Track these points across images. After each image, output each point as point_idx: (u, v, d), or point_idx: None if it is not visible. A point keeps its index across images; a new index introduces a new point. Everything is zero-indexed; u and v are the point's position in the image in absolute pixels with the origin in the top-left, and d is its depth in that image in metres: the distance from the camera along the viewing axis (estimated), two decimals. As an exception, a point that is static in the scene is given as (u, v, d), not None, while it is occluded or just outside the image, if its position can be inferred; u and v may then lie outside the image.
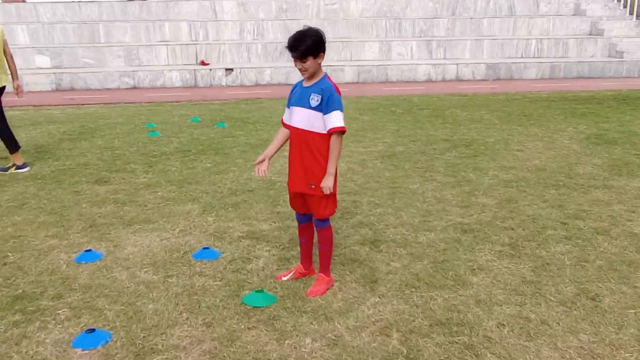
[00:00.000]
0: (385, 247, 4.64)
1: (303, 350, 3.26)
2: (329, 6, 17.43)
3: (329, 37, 16.88)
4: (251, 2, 17.11)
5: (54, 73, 13.97)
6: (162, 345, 3.31)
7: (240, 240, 4.82)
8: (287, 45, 3.70)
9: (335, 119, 3.66)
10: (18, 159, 6.95)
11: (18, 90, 7.01)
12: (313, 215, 3.91)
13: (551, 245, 4.66)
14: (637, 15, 17.39)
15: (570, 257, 4.43)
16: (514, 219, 5.26)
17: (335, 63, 15.34)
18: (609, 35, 16.93)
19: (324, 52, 3.70)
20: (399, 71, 15.25)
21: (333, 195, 3.86)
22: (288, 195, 4.11)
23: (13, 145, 6.97)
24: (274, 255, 4.53)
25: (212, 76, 14.46)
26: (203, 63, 15.15)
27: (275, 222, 5.23)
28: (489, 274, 4.17)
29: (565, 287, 3.96)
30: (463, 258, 4.44)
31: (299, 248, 4.28)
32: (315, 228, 3.99)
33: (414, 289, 3.96)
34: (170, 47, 15.26)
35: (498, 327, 3.48)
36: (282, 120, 4.00)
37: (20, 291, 3.97)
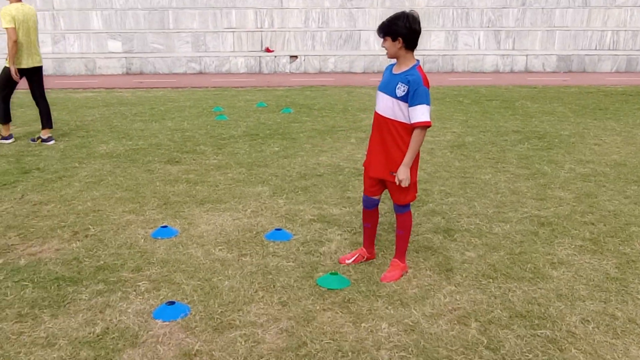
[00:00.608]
0: (459, 237, 4.55)
1: (380, 334, 3.23)
2: (395, -5, 17.22)
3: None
4: (317, -10, 17.10)
5: (125, 57, 14.36)
6: (240, 321, 3.34)
7: (312, 223, 4.82)
8: None
9: (421, 112, 3.57)
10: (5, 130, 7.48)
11: None
12: (393, 201, 3.86)
13: (636, 242, 4.46)
14: None
15: (658, 255, 4.23)
16: (593, 213, 5.06)
17: (400, 52, 15.14)
18: (691, 28, 16.09)
19: (404, 40, 3.58)
20: (466, 61, 14.94)
21: (414, 181, 3.80)
22: (362, 181, 4.06)
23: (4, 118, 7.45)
24: (345, 239, 4.51)
25: (277, 63, 14.54)
26: (268, 50, 15.25)
27: (345, 207, 5.21)
28: (569, 269, 4.02)
29: (653, 286, 3.78)
30: (541, 251, 4.30)
31: (362, 232, 4.24)
32: (395, 213, 3.94)
33: (490, 280, 3.86)
34: (236, 34, 15.42)
35: (582, 322, 3.35)
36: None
37: (102, 262, 4.09)
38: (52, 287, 3.74)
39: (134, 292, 3.68)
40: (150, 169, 6.35)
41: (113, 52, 14.97)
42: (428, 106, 3.61)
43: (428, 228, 4.72)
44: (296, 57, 14.57)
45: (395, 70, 3.71)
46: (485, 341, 3.15)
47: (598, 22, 16.81)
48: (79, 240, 4.48)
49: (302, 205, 5.25)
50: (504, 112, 9.65)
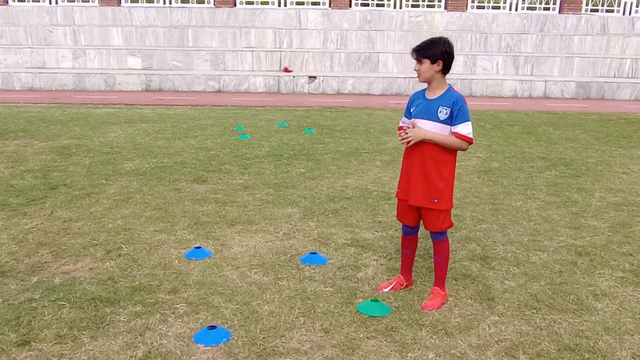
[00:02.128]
0: (497, 265, 4.48)
1: (427, 365, 3.16)
2: (413, 18, 17.31)
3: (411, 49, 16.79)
4: (335, 12, 17.20)
5: (145, 74, 14.45)
6: (283, 348, 3.28)
7: (345, 248, 4.77)
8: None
9: (465, 129, 3.55)
10: None
11: None
12: (429, 228, 3.81)
13: (677, 274, 4.37)
14: None
15: (701, 289, 4.14)
16: (630, 244, 4.99)
17: (415, 75, 15.15)
18: None
19: (444, 62, 3.59)
20: (484, 86, 14.94)
21: (448, 209, 3.76)
22: (393, 204, 4.01)
23: None
24: (382, 264, 4.45)
25: (295, 83, 14.59)
26: (286, 70, 15.31)
27: (377, 232, 5.15)
28: (613, 301, 3.94)
29: (702, 321, 3.69)
30: (582, 282, 4.22)
31: (400, 259, 4.18)
32: (432, 241, 3.89)
33: (534, 310, 3.78)
34: (255, 53, 15.51)
35: (634, 358, 3.27)
36: (400, 127, 3.92)
37: (138, 283, 4.04)
38: (90, 308, 3.69)
39: (173, 315, 3.63)
40: (177, 188, 6.33)
41: (133, 69, 15.08)
42: (471, 123, 3.59)
43: (464, 255, 4.66)
44: (315, 77, 14.62)
45: (430, 96, 3.69)
46: (538, 376, 3.07)
47: (617, 49, 16.81)
48: (112, 260, 4.44)
49: (334, 229, 5.19)
50: (527, 138, 9.60)
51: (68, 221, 5.28)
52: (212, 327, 3.39)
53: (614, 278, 4.30)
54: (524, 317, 3.70)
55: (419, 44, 3.68)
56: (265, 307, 3.74)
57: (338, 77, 14.75)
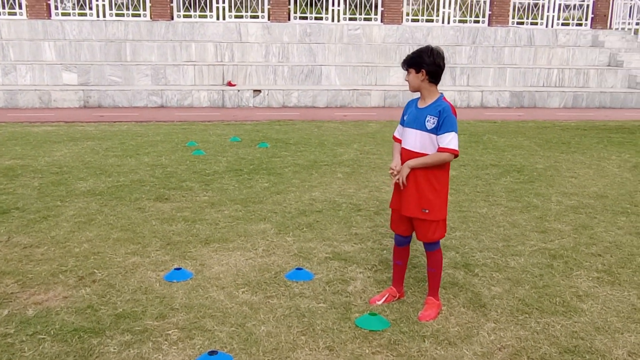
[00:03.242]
0: (480, 271, 4.55)
1: (438, 376, 3.15)
2: (352, 31, 17.52)
3: (352, 61, 16.85)
4: (275, 26, 17.19)
5: (82, 90, 13.93)
6: (292, 369, 3.19)
7: (328, 262, 4.72)
8: None
9: (449, 139, 3.59)
10: None
11: None
12: (421, 238, 3.83)
13: (648, 273, 4.58)
14: (656, 48, 17.57)
15: (673, 285, 4.35)
16: (597, 245, 5.19)
17: (361, 87, 15.36)
18: (628, 67, 17.06)
19: (427, 72, 3.64)
20: (425, 96, 15.26)
21: (443, 219, 3.79)
22: (390, 216, 4.02)
23: None
24: (369, 277, 4.43)
25: (240, 97, 14.44)
26: (230, 84, 15.14)
27: (356, 244, 5.14)
28: (596, 301, 4.08)
29: (682, 316, 3.87)
30: (563, 284, 4.35)
31: (392, 270, 4.17)
32: (425, 252, 3.91)
33: (527, 315, 3.86)
34: (197, 67, 15.26)
35: (630, 356, 3.38)
36: (394, 136, 3.94)
37: (121, 310, 3.85)
38: (73, 340, 3.48)
39: (166, 342, 3.47)
40: (140, 207, 6.10)
41: (68, 85, 14.49)
42: (456, 134, 3.63)
43: (446, 264, 4.70)
44: (260, 91, 14.53)
45: (421, 105, 3.74)
46: (547, 380, 3.12)
47: (543, 60, 17.60)
48: (86, 286, 4.21)
49: (312, 243, 5.14)
50: (476, 146, 9.86)
51: (29, 247, 4.97)
52: (213, 353, 3.26)
53: (590, 279, 4.46)
54: (518, 322, 3.77)
55: (408, 54, 3.72)
56: (262, 327, 3.64)
57: (283, 90, 14.71)
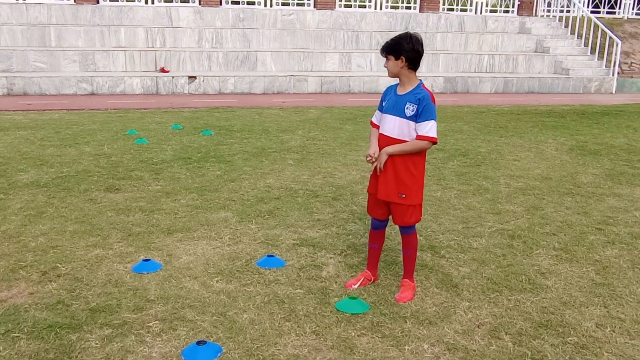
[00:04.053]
0: (446, 253, 4.68)
1: (426, 355, 3.24)
2: (286, 17, 17.40)
3: (288, 47, 16.74)
4: (207, 10, 16.82)
5: (5, 77, 13.16)
6: (283, 355, 3.18)
7: (297, 248, 4.72)
8: None
9: (429, 127, 3.67)
10: None
11: None
12: (397, 222, 3.90)
13: (599, 249, 4.85)
14: (577, 35, 18.46)
15: (624, 260, 4.64)
16: (549, 224, 5.44)
17: (297, 73, 15.33)
18: (554, 53, 17.87)
19: (407, 58, 3.68)
20: (361, 82, 15.44)
21: (420, 203, 3.87)
22: (367, 200, 4.08)
23: None
24: (340, 262, 4.47)
25: (175, 84, 14.09)
26: (163, 70, 14.72)
27: (321, 230, 5.16)
28: (559, 277, 4.29)
29: (637, 289, 4.14)
30: (525, 263, 4.54)
31: (367, 253, 4.23)
32: (401, 235, 3.98)
33: (497, 293, 4.01)
34: (128, 53, 14.74)
35: (598, 327, 3.58)
36: (371, 121, 3.97)
37: (95, 304, 3.71)
38: (50, 336, 3.32)
39: (149, 334, 3.37)
40: (91, 198, 5.86)
41: (-11, 71, 13.65)
42: (435, 122, 3.70)
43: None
44: (195, 77, 14.22)
45: (400, 91, 3.78)
46: (529, 353, 3.27)
47: (474, 46, 18.15)
48: (52, 281, 4.03)
49: (277, 230, 5.12)
50: (418, 131, 10.06)
51: (-23, 243, 4.69)
52: (202, 342, 3.20)
53: (550, 257, 4.68)
54: (490, 300, 3.91)
55: (387, 41, 3.75)
56: (244, 315, 3.60)
57: (219, 76, 14.46)
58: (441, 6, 19.47)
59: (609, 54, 17.55)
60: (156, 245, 4.70)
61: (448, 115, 11.96)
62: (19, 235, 4.84)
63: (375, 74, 16.01)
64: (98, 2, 16.37)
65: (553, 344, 3.37)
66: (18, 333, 3.34)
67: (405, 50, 3.64)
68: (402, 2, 19.31)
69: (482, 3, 19.70)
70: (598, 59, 17.82)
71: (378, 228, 4.03)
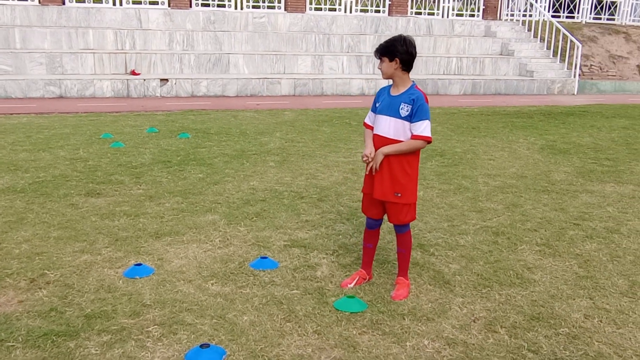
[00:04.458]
0: (435, 251, 4.76)
1: (427, 351, 3.30)
2: (257, 19, 17.39)
3: (259, 50, 16.69)
4: (177, 13, 16.69)
5: (-30, 80, 12.83)
6: (288, 355, 3.21)
7: (288, 249, 4.74)
8: None
9: (424, 127, 3.74)
10: None
11: None
12: (393, 221, 3.96)
13: (579, 244, 5.00)
14: (540, 39, 18.90)
15: (603, 253, 4.79)
16: (530, 221, 5.58)
17: (270, 76, 15.33)
18: (519, 56, 18.27)
19: (401, 60, 3.75)
20: (334, 85, 15.52)
21: (414, 202, 3.94)
22: (362, 200, 4.13)
23: None
24: (333, 262, 4.51)
25: (146, 86, 13.94)
26: (133, 73, 14.55)
27: (310, 231, 5.19)
28: (544, 272, 4.41)
29: (618, 280, 4.29)
30: (512, 258, 4.66)
31: (362, 253, 4.29)
32: (396, 234, 4.04)
33: (488, 288, 4.10)
34: (97, 56, 14.52)
35: (587, 318, 3.70)
36: (365, 122, 4.03)
37: (89, 310, 3.66)
38: (47, 345, 3.27)
39: (149, 339, 3.36)
40: (73, 203, 5.78)
41: (-48, 75, 13.29)
42: (429, 122, 3.78)
43: (395, 246, 4.85)
44: (167, 80, 14.09)
45: (394, 92, 3.85)
46: (525, 345, 3.36)
47: (442, 49, 18.43)
48: (41, 289, 3.96)
49: (266, 232, 5.13)
50: (393, 132, 10.17)
51: (-40, 251, 4.58)
52: (205, 345, 3.20)
53: (534, 252, 4.80)
54: (482, 295, 4.00)
55: (380, 43, 3.81)
56: (244, 317, 3.61)
57: (191, 79, 14.36)
58: (409, 10, 19.71)
59: (570, 56, 18.04)
60: (145, 250, 4.66)
61: (421, 116, 12.08)
62: (0, 242, 4.74)
63: (348, 76, 16.13)
64: (64, 3, 16.08)
65: (546, 335, 3.47)
66: (13, 342, 3.28)
67: (399, 52, 3.70)
68: (372, 6, 19.48)
69: (448, 7, 20.01)
70: (560, 62, 18.30)
71: (373, 227, 4.08)
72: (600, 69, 18.53)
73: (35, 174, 6.79)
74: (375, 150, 3.83)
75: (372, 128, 3.96)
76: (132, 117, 11.24)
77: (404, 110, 3.74)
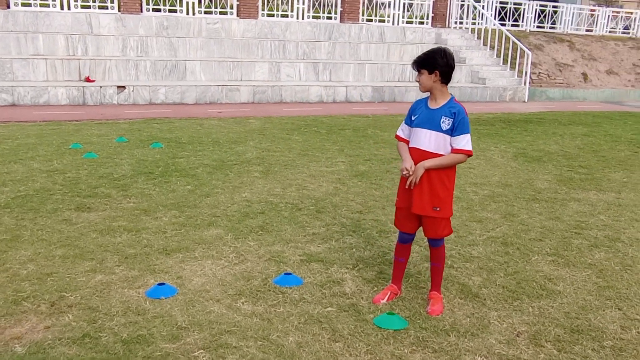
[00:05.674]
0: (452, 263, 4.78)
1: (484, 367, 3.29)
2: (211, 25, 17.09)
3: (215, 56, 16.40)
4: (130, 18, 16.19)
5: None
6: (350, 377, 3.12)
7: (307, 264, 4.65)
8: None
9: (465, 141, 3.76)
10: None
11: None
12: (430, 235, 3.94)
13: (588, 253, 5.14)
14: (490, 47, 19.48)
15: (615, 262, 4.94)
16: (531, 231, 5.70)
17: (228, 83, 15.10)
18: (470, 64, 18.75)
19: (441, 73, 3.75)
20: (293, 92, 15.45)
21: (448, 217, 3.93)
22: (395, 214, 4.10)
23: None
24: (356, 276, 4.45)
25: (103, 94, 13.44)
26: (88, 79, 14.00)
27: (321, 244, 5.11)
28: (566, 282, 4.50)
29: (638, 290, 4.42)
30: (529, 269, 4.73)
31: (392, 267, 4.26)
32: (430, 247, 4.02)
33: (518, 301, 4.15)
34: (49, 62, 13.89)
35: (624, 329, 3.80)
36: (398, 135, 3.99)
37: (125, 335, 3.46)
38: (91, 374, 3.06)
39: (200, 364, 3.20)
40: (65, 219, 5.47)
41: None
42: (470, 135, 3.79)
43: (418, 258, 4.86)
44: (124, 87, 13.63)
45: (433, 105, 3.83)
46: (578, 359, 3.40)
47: (396, 56, 18.68)
48: (65, 313, 3.72)
49: (277, 246, 5.01)
50: (366, 141, 10.22)
51: (-45, 274, 4.24)
52: (264, 370, 3.07)
53: (548, 262, 4.90)
54: (514, 308, 4.04)
55: (419, 55, 3.78)
56: (290, 338, 3.50)
57: (149, 86, 13.94)
58: (360, 17, 19.89)
59: (520, 64, 18.68)
60: (160, 268, 4.46)
61: (386, 125, 12.22)
62: (3, 263, 4.43)
63: (306, 83, 16.09)
64: (9, 7, 15.30)
65: (593, 348, 3.53)
66: (54, 373, 3.05)
67: (439, 64, 3.69)
68: (323, 12, 19.53)
69: (398, 15, 20.32)
70: (510, 69, 18.91)
71: (406, 242, 4.05)
72: (548, 76, 19.26)
73: (15, 188, 6.41)
74: (415, 164, 3.80)
75: (406, 141, 3.93)
76: (94, 125, 10.80)
77: (445, 123, 3.73)
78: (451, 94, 3.85)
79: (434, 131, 3.76)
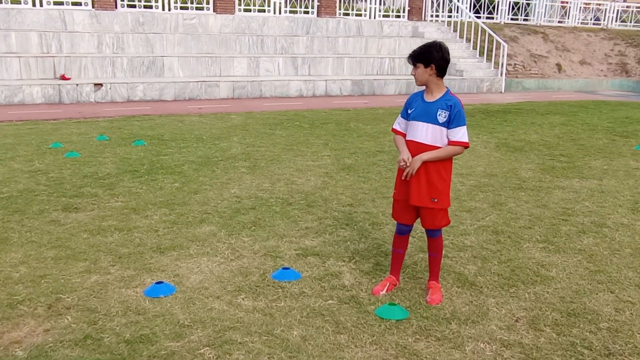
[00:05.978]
0: (446, 252, 4.82)
1: (488, 354, 3.34)
2: (187, 21, 16.94)
3: (193, 52, 16.27)
4: (104, 14, 15.96)
5: None
6: (357, 369, 3.14)
7: (303, 258, 4.65)
8: None
9: (462, 133, 3.79)
10: None
11: None
12: (428, 226, 3.98)
13: (577, 239, 5.23)
14: (466, 39, 19.64)
15: (603, 247, 5.04)
16: (520, 219, 5.78)
17: (207, 78, 14.99)
18: (447, 56, 18.85)
19: (436, 66, 3.78)
20: (272, 87, 15.40)
21: (446, 208, 3.97)
22: (393, 206, 4.12)
23: None
24: (353, 269, 4.47)
25: (79, 92, 13.24)
26: (63, 77, 13.78)
27: (315, 239, 5.12)
28: (558, 268, 4.58)
29: (628, 273, 4.51)
30: (522, 257, 4.80)
31: (390, 259, 4.28)
32: (428, 238, 4.06)
33: (514, 288, 4.21)
34: (23, 60, 13.63)
35: (618, 311, 3.88)
36: (394, 129, 4.01)
37: (127, 335, 3.43)
38: (97, 375, 3.03)
39: (206, 362, 3.18)
40: (53, 220, 5.39)
41: None
42: (466, 127, 3.83)
43: (412, 250, 4.90)
44: (101, 85, 13.44)
45: (429, 99, 3.86)
46: (578, 342, 3.47)
47: (374, 50, 18.72)
48: (63, 315, 3.67)
49: (271, 241, 5.01)
50: (350, 135, 10.24)
51: (-54, 279, 4.16)
52: (272, 365, 3.07)
53: (538, 249, 4.97)
54: (511, 295, 4.10)
55: (414, 49, 3.80)
56: (294, 332, 3.51)
57: (127, 83, 13.78)
58: (337, 11, 19.88)
59: (496, 56, 18.87)
60: (155, 266, 4.43)
61: (367, 118, 12.26)
62: (-6, 266, 4.35)
63: (285, 78, 16.04)
64: (-22, 4, 14.98)
65: (591, 330, 3.60)
66: (60, 375, 3.02)
67: (435, 58, 3.72)
68: (300, 7, 19.49)
69: (375, 8, 20.36)
70: (486, 61, 19.10)
71: (404, 233, 4.08)
72: (524, 67, 19.50)
73: (-4, 190, 6.28)
74: (413, 156, 3.82)
75: (403, 134, 3.96)
76: (73, 124, 10.64)
77: (442, 116, 3.76)
78: (447, 87, 3.88)
79: (430, 124, 3.79)
